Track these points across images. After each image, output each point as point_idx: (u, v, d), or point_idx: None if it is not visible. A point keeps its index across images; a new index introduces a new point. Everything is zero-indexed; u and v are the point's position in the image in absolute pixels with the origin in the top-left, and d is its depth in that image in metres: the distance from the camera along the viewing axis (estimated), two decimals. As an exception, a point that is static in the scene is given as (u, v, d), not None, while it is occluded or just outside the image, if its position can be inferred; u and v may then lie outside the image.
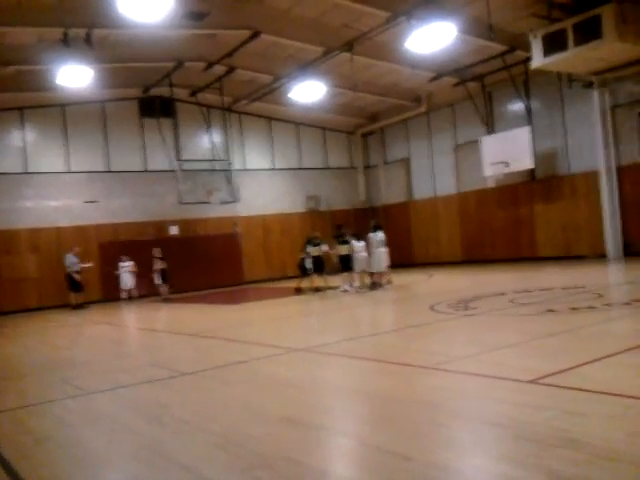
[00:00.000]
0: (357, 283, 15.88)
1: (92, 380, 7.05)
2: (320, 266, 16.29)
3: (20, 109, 19.88)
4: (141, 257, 19.62)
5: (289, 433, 4.33)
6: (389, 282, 16.16)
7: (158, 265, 19.25)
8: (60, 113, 20.57)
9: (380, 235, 15.85)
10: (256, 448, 4.04)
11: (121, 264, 19.53)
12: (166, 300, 18.99)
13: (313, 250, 16.37)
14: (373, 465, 3.63)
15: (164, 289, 19.34)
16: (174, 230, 21.86)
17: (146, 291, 19.89)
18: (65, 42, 14.88)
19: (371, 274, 15.79)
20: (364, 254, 15.62)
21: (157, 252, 19.39)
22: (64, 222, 20.33)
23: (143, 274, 19.47)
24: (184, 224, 22.10)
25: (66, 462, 4.18)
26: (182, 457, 3.98)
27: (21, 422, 5.33)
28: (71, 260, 18.86)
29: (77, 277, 18.80)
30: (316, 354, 7.36)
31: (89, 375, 7.45)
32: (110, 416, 5.37)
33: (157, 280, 19.30)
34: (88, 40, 15.08)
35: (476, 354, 6.37)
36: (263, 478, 3.50)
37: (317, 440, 4.23)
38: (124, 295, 19.54)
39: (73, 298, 18.89)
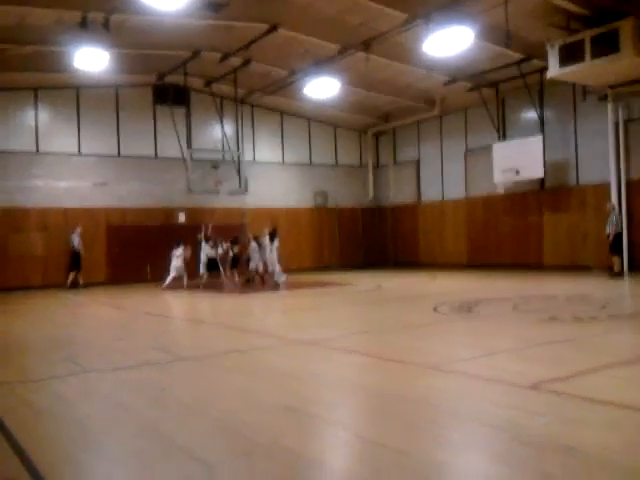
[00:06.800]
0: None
1: (94, 359, 7.11)
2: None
3: (35, 89, 19.98)
4: (147, 243, 19.73)
5: (286, 422, 4.37)
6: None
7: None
8: (74, 95, 20.65)
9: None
10: (253, 435, 4.08)
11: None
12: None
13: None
14: (368, 458, 3.66)
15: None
16: (182, 218, 21.91)
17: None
18: (83, 25, 14.93)
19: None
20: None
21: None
22: (72, 203, 20.42)
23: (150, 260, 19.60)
24: (192, 212, 22.15)
25: (66, 436, 4.23)
26: (180, 439, 4.03)
27: (22, 395, 5.38)
28: (75, 239, 19.08)
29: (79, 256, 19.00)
30: (317, 347, 7.40)
31: (91, 354, 7.51)
32: (110, 395, 5.42)
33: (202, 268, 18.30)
34: (106, 24, 15.13)
35: (477, 357, 6.40)
36: (259, 464, 3.54)
37: (314, 430, 4.27)
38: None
39: (71, 277, 19.05)
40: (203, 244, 18.05)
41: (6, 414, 4.70)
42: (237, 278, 18.24)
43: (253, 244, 18.07)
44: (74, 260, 19.16)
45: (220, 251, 18.12)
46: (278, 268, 17.07)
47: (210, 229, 18.50)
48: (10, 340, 9.15)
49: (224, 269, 18.27)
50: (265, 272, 17.92)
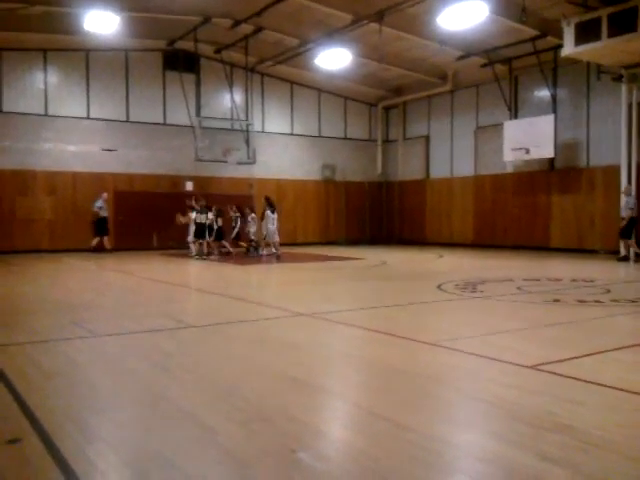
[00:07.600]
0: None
1: (101, 324, 7.19)
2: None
3: (44, 51, 19.85)
4: (154, 210, 19.79)
5: (290, 392, 4.43)
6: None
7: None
8: (83, 58, 20.53)
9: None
10: (256, 402, 4.15)
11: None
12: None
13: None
14: (369, 430, 3.71)
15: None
16: (189, 186, 21.92)
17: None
18: (95, -14, 14.80)
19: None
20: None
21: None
22: (80, 167, 20.45)
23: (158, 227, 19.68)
24: (199, 181, 22.16)
25: (74, 397, 4.31)
26: (184, 404, 4.10)
27: (30, 357, 5.46)
28: (100, 205, 19.37)
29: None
30: (322, 320, 7.46)
31: (99, 319, 7.59)
32: (117, 359, 5.50)
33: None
34: (118, -14, 14.99)
35: (479, 335, 6.44)
36: (261, 431, 3.60)
37: (317, 401, 4.33)
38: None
39: (95, 241, 19.38)
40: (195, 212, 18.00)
41: (15, 374, 4.78)
42: (231, 249, 18.27)
43: (252, 215, 18.49)
44: (99, 225, 19.34)
45: (211, 217, 17.86)
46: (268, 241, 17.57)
47: (198, 196, 18.66)
48: (19, 302, 9.25)
49: (209, 239, 18.17)
50: (257, 244, 18.67)
